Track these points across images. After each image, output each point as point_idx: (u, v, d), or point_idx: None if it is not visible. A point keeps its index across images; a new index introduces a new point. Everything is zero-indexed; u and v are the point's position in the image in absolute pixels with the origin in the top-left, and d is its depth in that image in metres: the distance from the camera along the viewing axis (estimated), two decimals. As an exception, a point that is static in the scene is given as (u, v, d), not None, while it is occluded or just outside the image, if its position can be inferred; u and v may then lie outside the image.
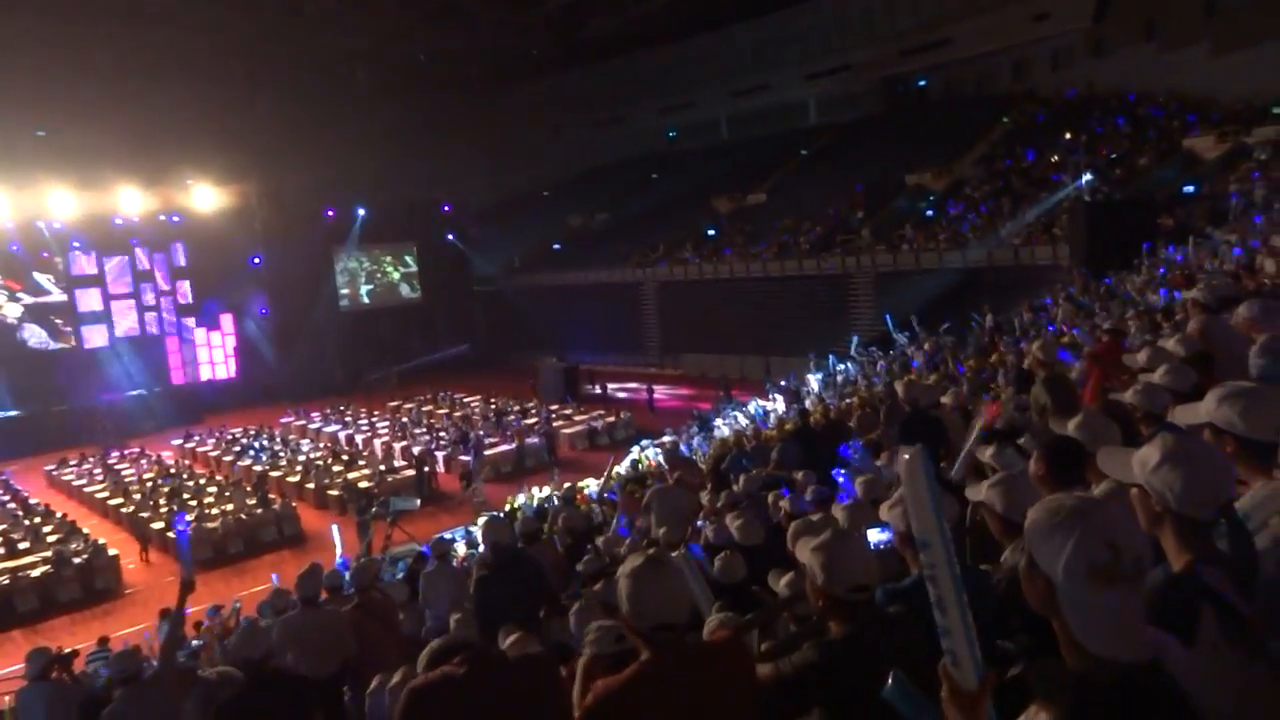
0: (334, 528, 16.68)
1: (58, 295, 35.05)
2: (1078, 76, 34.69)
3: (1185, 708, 1.09)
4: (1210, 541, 1.72)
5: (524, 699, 1.90)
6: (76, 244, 35.16)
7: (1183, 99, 29.65)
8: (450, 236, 45.10)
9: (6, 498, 23.74)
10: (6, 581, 16.99)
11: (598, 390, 33.22)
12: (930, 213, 32.13)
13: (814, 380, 20.20)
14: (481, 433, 25.60)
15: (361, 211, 41.45)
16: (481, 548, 9.52)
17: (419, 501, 19.48)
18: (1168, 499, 1.72)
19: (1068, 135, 30.54)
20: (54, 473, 27.04)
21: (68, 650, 7.15)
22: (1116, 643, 1.23)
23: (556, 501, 13.84)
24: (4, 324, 33.98)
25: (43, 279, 34.85)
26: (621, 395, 33.01)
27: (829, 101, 44.42)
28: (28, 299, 34.56)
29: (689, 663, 2.22)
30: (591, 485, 17.11)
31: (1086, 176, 26.50)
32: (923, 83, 42.29)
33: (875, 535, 3.77)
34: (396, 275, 45.08)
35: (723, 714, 2.22)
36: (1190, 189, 25.01)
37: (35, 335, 34.73)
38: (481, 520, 13.52)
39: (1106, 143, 29.67)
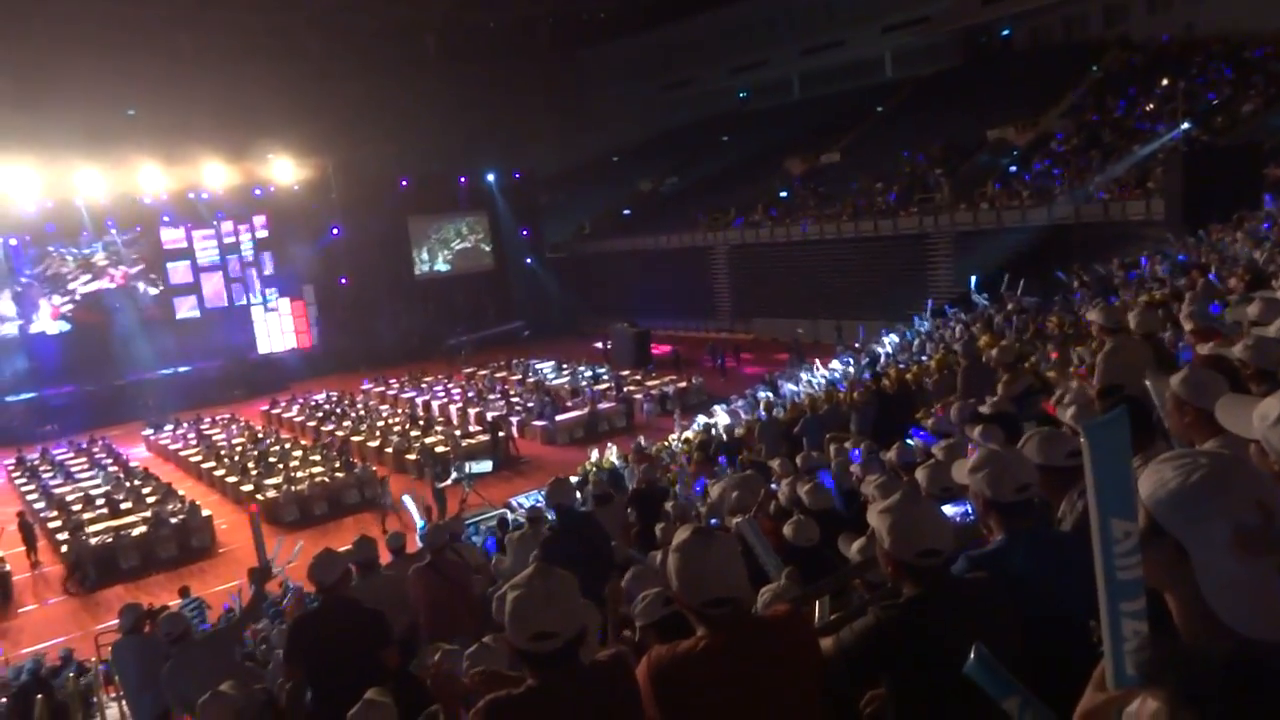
0: (406, 498, 17.04)
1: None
2: (1176, 19, 32.63)
3: None
4: None
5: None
6: (166, 218, 36.55)
7: (1294, 39, 27.64)
8: (522, 203, 45.35)
9: (109, 461, 25.06)
10: (110, 540, 17.96)
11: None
12: (1013, 168, 30.82)
13: (887, 342, 19.77)
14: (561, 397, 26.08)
15: (434, 180, 41.94)
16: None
17: (491, 464, 19.80)
18: None
19: (1164, 82, 28.81)
20: (151, 437, 28.42)
21: (159, 606, 7.46)
22: (1258, 618, 1.07)
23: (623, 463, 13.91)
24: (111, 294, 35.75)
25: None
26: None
27: (906, 55, 42.87)
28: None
29: (746, 639, 2.11)
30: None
31: (1184, 125, 25.01)
32: (1006, 32, 40.41)
33: (950, 510, 3.59)
34: (469, 243, 45.60)
35: (783, 691, 2.11)
36: (1301, 135, 23.36)
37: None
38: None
39: (1208, 89, 27.87)
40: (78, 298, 35.47)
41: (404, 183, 41.30)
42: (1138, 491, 1.17)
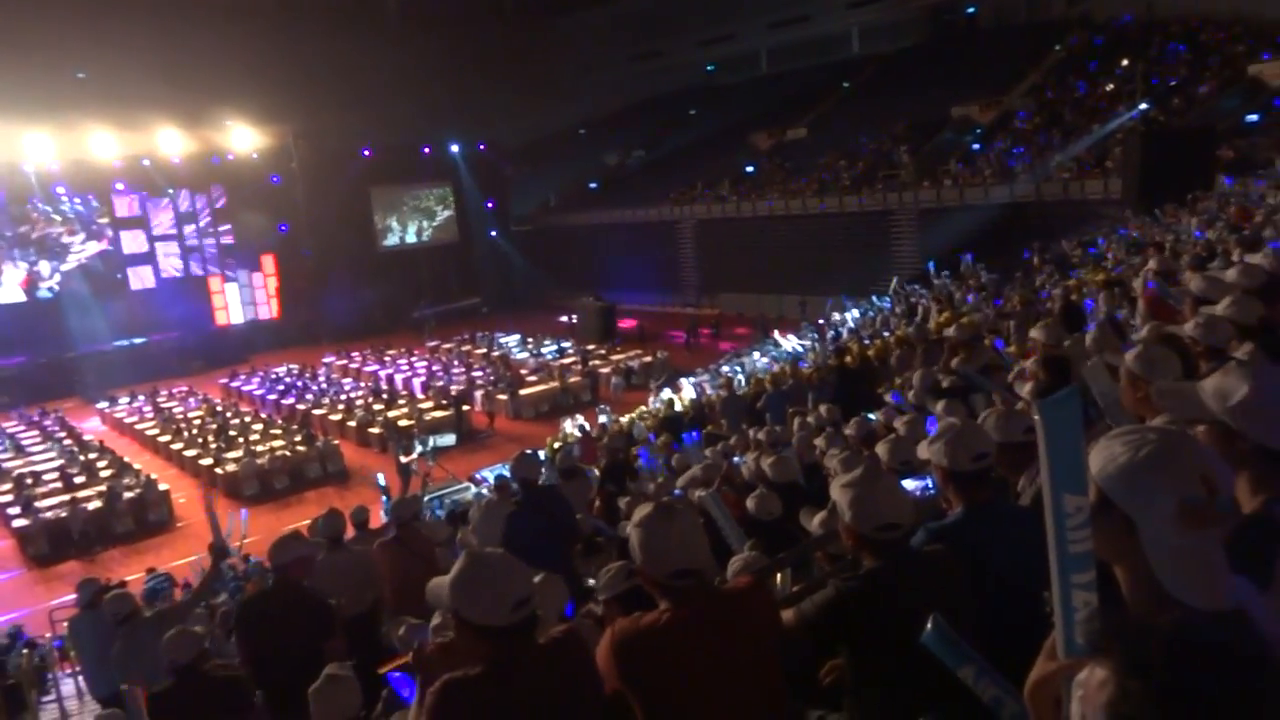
0: (379, 476, 16.91)
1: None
2: (1136, 0, 33.03)
3: (1271, 660, 0.97)
4: None
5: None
6: (119, 185, 35.55)
7: (1249, 22, 28.10)
8: (486, 175, 44.81)
9: (62, 434, 24.51)
10: (65, 514, 17.61)
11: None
12: (976, 146, 31.13)
13: (849, 317, 19.96)
14: (524, 372, 25.98)
15: (397, 151, 41.27)
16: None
17: (454, 438, 19.75)
18: (1259, 433, 1.56)
19: (1124, 63, 29.18)
20: (106, 410, 27.83)
21: (117, 581, 7.35)
22: (1202, 589, 1.11)
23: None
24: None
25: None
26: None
27: (872, 31, 42.95)
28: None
29: (709, 610, 2.14)
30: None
31: (1142, 106, 25.37)
32: (971, 10, 40.62)
33: (910, 484, 3.65)
34: (433, 215, 45.03)
35: (745, 662, 2.14)
36: (1254, 118, 23.85)
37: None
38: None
39: (1166, 70, 28.30)
40: (83, 261, 34.58)
41: (366, 152, 40.57)
42: (1089, 467, 1.20)
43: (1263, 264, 4.44)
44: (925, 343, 9.57)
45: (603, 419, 19.44)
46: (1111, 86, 28.78)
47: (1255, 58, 26.26)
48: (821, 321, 20.94)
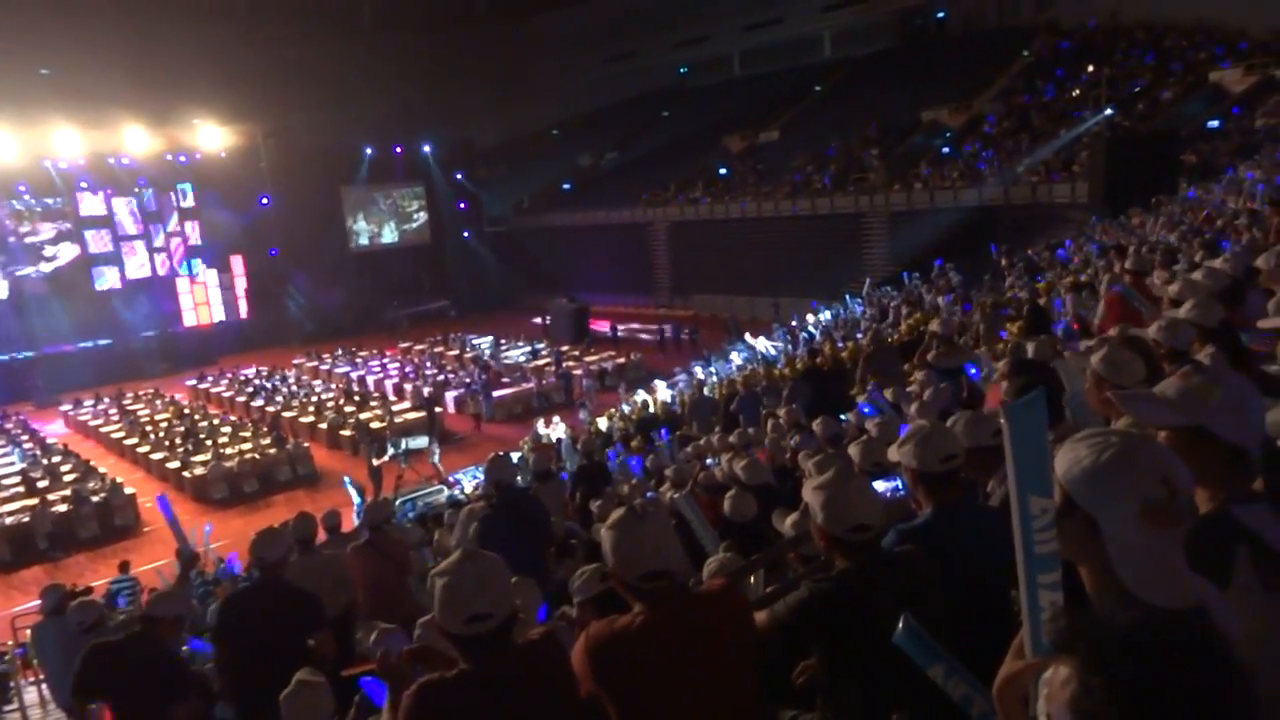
0: (346, 480, 16.73)
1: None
2: (1102, 6, 33.57)
3: (1230, 658, 0.99)
4: (1248, 480, 1.62)
5: None
6: (84, 184, 34.92)
7: (1210, 30, 28.69)
8: (459, 176, 44.58)
9: (24, 438, 24.02)
10: (27, 519, 17.26)
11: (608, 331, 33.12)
12: (946, 150, 31.46)
13: (822, 318, 20.13)
14: (499, 374, 25.93)
15: (369, 151, 40.95)
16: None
17: (427, 440, 19.62)
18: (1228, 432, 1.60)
19: (1090, 68, 29.67)
20: (70, 413, 27.31)
21: (82, 587, 7.22)
22: (1163, 587, 1.14)
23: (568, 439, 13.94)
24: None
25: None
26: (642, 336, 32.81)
27: (844, 35, 43.28)
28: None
29: (683, 612, 2.15)
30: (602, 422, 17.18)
31: (1107, 111, 25.81)
32: (941, 15, 41.09)
33: (881, 485, 3.69)
34: (406, 216, 44.69)
35: (718, 664, 2.15)
36: (1215, 124, 24.34)
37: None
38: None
39: (1130, 76, 28.81)
40: (52, 269, 33.86)
41: (337, 153, 40.16)
42: (1054, 469, 1.23)
43: (1224, 268, 4.53)
44: (878, 344, 9.72)
45: (582, 414, 19.50)
46: (1077, 92, 29.22)
47: (1216, 65, 26.81)
48: (794, 324, 21.08)
